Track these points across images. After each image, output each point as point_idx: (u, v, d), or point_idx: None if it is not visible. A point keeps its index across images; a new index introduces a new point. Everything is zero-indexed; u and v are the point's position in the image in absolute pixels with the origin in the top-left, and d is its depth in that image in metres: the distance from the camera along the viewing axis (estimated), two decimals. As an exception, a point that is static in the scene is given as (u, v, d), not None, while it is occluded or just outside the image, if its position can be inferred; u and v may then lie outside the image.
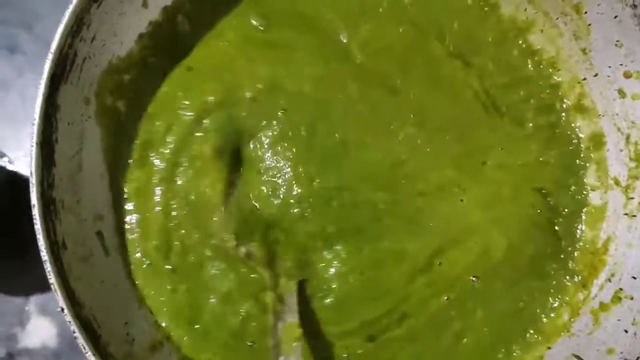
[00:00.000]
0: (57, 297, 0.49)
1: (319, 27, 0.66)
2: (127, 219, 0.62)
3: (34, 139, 0.51)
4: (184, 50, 0.64)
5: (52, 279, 0.49)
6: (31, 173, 0.51)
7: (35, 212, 0.50)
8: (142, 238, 0.62)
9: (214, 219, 0.61)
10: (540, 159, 0.66)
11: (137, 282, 0.61)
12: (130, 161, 0.62)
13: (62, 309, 0.49)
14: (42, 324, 0.75)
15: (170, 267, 0.61)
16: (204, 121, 0.62)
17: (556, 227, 0.65)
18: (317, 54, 0.65)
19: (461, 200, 0.64)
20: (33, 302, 0.75)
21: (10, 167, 0.77)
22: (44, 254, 0.49)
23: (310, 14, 0.66)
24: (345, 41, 0.66)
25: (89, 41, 0.56)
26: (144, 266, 0.61)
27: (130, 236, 0.62)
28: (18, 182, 0.77)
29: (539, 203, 0.65)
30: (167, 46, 0.63)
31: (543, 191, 0.65)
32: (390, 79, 0.65)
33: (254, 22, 0.66)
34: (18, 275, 0.75)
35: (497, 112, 0.66)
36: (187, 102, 0.63)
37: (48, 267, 0.49)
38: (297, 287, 0.61)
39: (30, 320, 0.75)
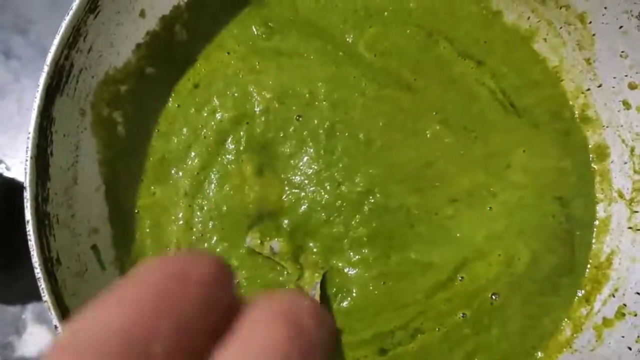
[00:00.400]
0: (51, 315, 0.49)
1: (323, 32, 0.66)
2: (139, 233, 0.62)
3: (29, 153, 0.50)
4: (184, 61, 0.64)
5: (45, 296, 0.49)
6: (25, 188, 0.50)
7: (30, 228, 0.49)
8: (158, 252, 0.61)
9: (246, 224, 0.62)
10: (560, 165, 0.65)
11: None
12: (142, 176, 0.62)
13: (56, 327, 0.49)
14: (38, 332, 0.74)
15: None
16: (227, 142, 0.62)
17: (573, 240, 0.64)
18: (325, 56, 0.64)
19: (490, 208, 0.63)
20: (29, 310, 0.74)
21: (7, 174, 0.77)
22: (38, 271, 0.49)
23: (313, 20, 0.66)
24: (351, 42, 0.65)
25: (85, 52, 0.55)
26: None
27: (140, 250, 0.61)
28: (15, 189, 0.76)
29: (559, 213, 0.64)
30: (165, 56, 0.62)
31: (562, 200, 0.64)
32: (404, 78, 0.65)
33: (256, 31, 0.65)
34: (14, 283, 0.74)
35: (515, 111, 0.66)
36: (201, 121, 0.63)
37: (42, 284, 0.48)
38: (320, 279, 0.61)
39: (27, 329, 0.74)
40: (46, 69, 0.51)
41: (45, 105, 0.51)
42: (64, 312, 0.50)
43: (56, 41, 0.51)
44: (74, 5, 0.52)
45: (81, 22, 0.53)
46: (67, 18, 0.52)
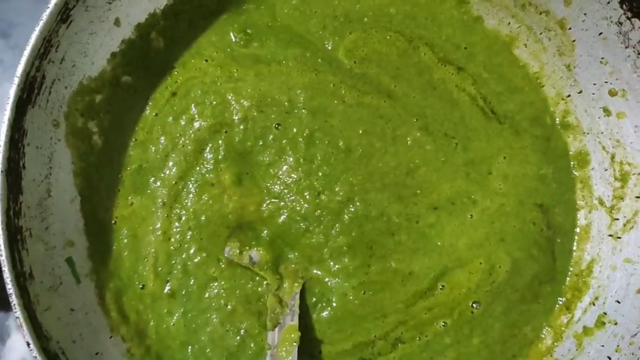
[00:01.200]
0: (23, 331, 0.48)
1: (302, 38, 0.65)
2: (116, 243, 0.61)
3: (-1, 167, 0.49)
4: (161, 69, 0.63)
5: (17, 312, 0.48)
6: (-4, 202, 0.49)
7: (1, 243, 0.48)
8: (135, 263, 0.61)
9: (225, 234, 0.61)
10: (541, 172, 0.65)
11: (121, 307, 0.60)
12: (119, 187, 0.61)
13: (28, 344, 0.48)
14: (22, 339, 0.73)
15: (169, 290, 0.61)
16: (205, 151, 0.62)
17: (554, 247, 0.64)
18: (304, 63, 0.64)
19: (470, 216, 0.63)
20: (13, 317, 0.73)
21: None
22: (10, 287, 0.48)
23: (292, 26, 0.65)
24: (330, 48, 0.65)
25: (57, 62, 0.54)
26: (136, 290, 0.61)
27: (118, 261, 0.61)
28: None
29: (539, 220, 0.63)
30: (142, 64, 0.62)
31: (543, 207, 0.64)
32: (384, 84, 0.64)
33: (234, 38, 0.64)
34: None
35: (496, 118, 0.65)
36: (179, 130, 0.62)
37: (14, 300, 0.48)
38: (300, 289, 0.60)
39: (11, 336, 0.73)
40: (16, 80, 0.50)
41: (16, 117, 0.50)
42: (36, 328, 0.49)
43: (26, 52, 0.51)
44: (44, 16, 0.51)
45: (52, 32, 0.52)
46: (37, 29, 0.51)
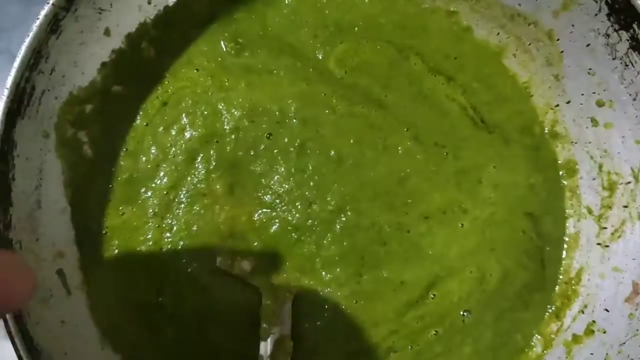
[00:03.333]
0: (14, 344, 0.48)
1: (293, 48, 0.65)
2: (107, 254, 0.60)
3: (-12, 180, 0.49)
4: (152, 78, 0.63)
5: (9, 325, 0.48)
6: (-15, 216, 0.49)
7: (-9, 257, 0.48)
8: (127, 273, 0.60)
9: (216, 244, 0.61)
10: (530, 181, 0.65)
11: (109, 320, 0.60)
12: (110, 197, 0.61)
13: (20, 358, 0.48)
14: (9, 347, 0.72)
15: (160, 301, 0.60)
16: (197, 161, 0.62)
17: (543, 255, 0.65)
18: (295, 73, 0.64)
19: (461, 225, 0.63)
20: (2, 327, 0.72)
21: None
22: (0, 301, 0.47)
23: (283, 35, 0.65)
24: (321, 58, 0.65)
25: (47, 73, 0.54)
26: (127, 302, 0.60)
27: (110, 272, 0.60)
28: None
29: (529, 229, 0.64)
30: (132, 74, 0.61)
31: (532, 215, 0.65)
32: (374, 94, 0.64)
33: (225, 47, 0.64)
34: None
35: (485, 127, 0.66)
36: (170, 140, 0.62)
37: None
38: (292, 299, 0.60)
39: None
40: (6, 92, 0.50)
41: (6, 129, 0.50)
42: (27, 341, 0.49)
43: (16, 64, 0.50)
44: (34, 27, 0.51)
45: (42, 43, 0.52)
46: (27, 40, 0.51)
